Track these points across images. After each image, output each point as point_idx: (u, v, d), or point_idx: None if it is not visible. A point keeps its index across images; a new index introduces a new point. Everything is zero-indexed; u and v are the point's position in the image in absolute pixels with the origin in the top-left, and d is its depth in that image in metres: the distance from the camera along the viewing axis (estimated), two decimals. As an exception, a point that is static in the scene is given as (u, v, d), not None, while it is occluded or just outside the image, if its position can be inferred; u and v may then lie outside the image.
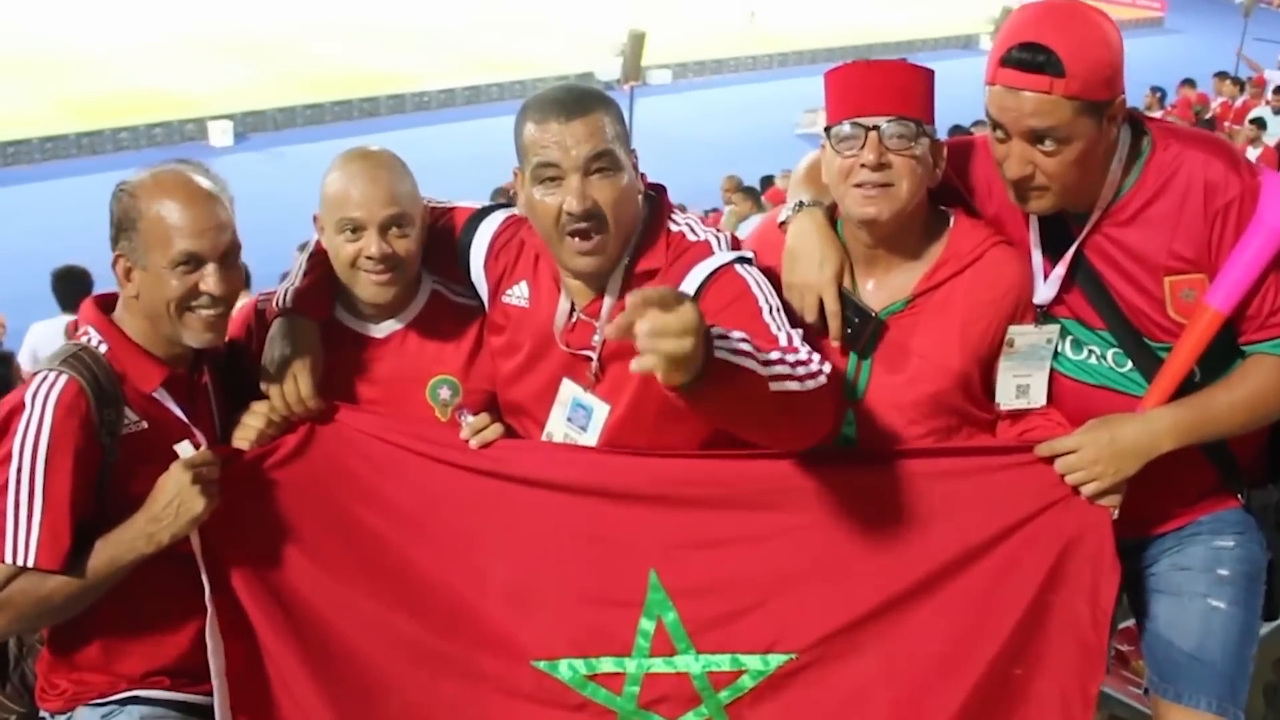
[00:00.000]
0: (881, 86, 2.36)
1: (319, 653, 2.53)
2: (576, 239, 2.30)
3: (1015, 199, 2.39)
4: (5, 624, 2.31)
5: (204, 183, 2.36)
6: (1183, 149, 2.36)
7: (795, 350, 2.17)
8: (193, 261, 2.31)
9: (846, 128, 2.36)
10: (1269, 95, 17.06)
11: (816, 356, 2.18)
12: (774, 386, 2.01)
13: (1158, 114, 14.63)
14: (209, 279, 2.32)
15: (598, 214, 2.29)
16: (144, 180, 2.33)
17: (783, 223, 2.60)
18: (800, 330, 2.31)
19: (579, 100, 2.30)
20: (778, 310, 2.31)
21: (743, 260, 2.39)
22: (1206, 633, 2.55)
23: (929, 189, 2.44)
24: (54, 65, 25.88)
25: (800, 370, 2.09)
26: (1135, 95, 17.45)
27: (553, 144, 2.27)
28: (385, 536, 2.53)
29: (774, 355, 2.06)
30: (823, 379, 2.14)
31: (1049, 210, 2.40)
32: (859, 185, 2.36)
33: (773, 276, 2.46)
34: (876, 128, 2.33)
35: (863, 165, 2.34)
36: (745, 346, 1.95)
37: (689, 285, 2.31)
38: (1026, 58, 2.24)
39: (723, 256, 2.37)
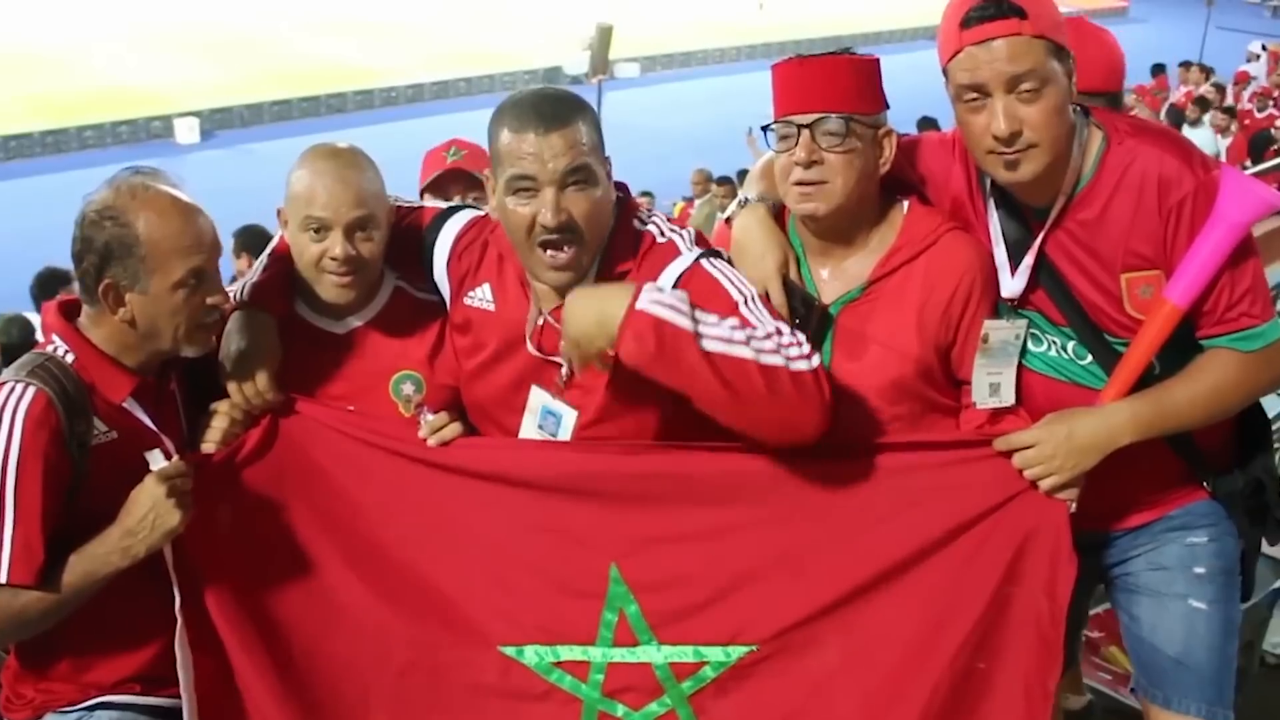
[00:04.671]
0: (812, 84, 2.38)
1: (287, 656, 2.53)
2: (549, 252, 2.29)
3: (1003, 169, 2.33)
4: None
5: (183, 195, 2.34)
6: (1137, 144, 2.35)
7: (772, 333, 2.19)
8: (198, 278, 2.31)
9: (780, 126, 2.41)
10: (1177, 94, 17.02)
11: (804, 345, 2.20)
12: (707, 346, 2.08)
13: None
14: (216, 294, 2.34)
15: (572, 227, 2.27)
16: (126, 202, 2.27)
17: (728, 219, 2.65)
18: (784, 322, 2.30)
19: (557, 110, 2.26)
20: (753, 300, 2.30)
21: (710, 255, 2.39)
22: (1190, 635, 2.56)
23: (881, 178, 2.47)
24: (17, 62, 25.59)
25: (768, 344, 2.13)
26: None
27: (530, 155, 2.23)
28: (351, 529, 2.54)
29: (727, 322, 2.11)
30: (803, 364, 2.16)
31: (1036, 174, 2.32)
32: (797, 183, 2.41)
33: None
34: (807, 126, 2.37)
35: (796, 163, 2.39)
36: (681, 305, 2.07)
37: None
38: (990, 10, 2.25)
39: (690, 254, 2.37)
